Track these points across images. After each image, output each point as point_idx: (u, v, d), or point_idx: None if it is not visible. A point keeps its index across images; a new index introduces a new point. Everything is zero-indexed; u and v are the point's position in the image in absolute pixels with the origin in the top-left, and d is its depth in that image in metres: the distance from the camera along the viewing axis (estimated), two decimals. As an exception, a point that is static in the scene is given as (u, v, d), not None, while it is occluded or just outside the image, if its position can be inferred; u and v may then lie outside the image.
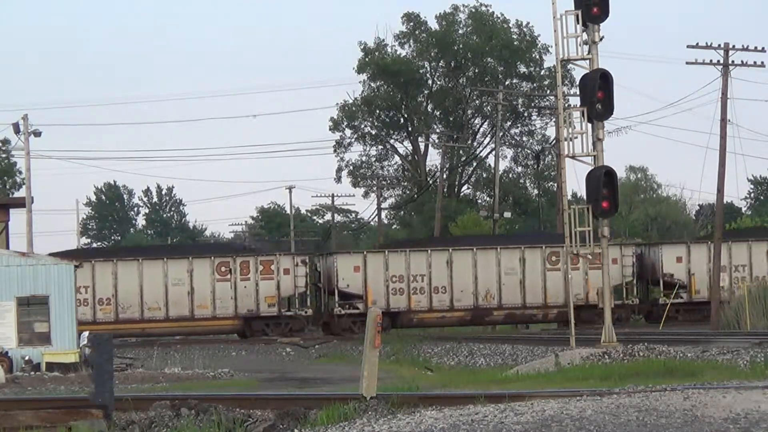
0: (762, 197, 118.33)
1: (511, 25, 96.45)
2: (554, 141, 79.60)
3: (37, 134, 63.34)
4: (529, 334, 58.96)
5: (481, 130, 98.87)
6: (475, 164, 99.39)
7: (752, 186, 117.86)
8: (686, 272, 62.04)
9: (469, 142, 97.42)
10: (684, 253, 62.36)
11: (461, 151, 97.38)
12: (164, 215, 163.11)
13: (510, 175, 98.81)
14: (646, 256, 63.94)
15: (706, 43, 55.85)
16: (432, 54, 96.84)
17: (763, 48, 56.75)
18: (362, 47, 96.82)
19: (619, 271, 61.22)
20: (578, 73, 45.91)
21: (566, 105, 52.30)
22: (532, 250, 61.27)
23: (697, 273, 61.88)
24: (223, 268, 59.03)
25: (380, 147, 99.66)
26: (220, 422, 18.33)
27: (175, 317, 58.77)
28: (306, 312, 60.53)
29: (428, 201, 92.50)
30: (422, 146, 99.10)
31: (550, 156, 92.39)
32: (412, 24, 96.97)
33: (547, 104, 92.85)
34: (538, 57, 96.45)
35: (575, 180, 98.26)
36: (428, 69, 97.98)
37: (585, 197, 37.28)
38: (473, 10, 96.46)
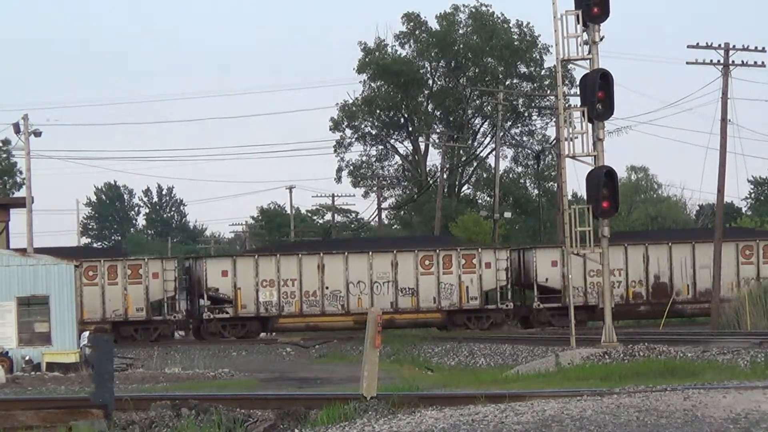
0: (762, 197, 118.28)
1: (511, 25, 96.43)
2: (554, 141, 79.60)
3: (37, 134, 63.28)
4: (529, 334, 58.93)
5: (482, 130, 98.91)
6: (475, 164, 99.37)
7: (752, 186, 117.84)
8: (561, 276, 60.89)
9: (469, 142, 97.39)
10: (559, 257, 61.16)
11: (461, 151, 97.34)
12: (164, 215, 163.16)
13: (510, 175, 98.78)
14: (521, 261, 63.13)
15: (706, 43, 55.88)
16: (432, 54, 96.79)
17: (763, 48, 56.78)
18: (362, 47, 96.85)
19: (494, 275, 60.56)
20: (578, 73, 45.92)
21: (566, 105, 52.24)
22: (405, 255, 60.75)
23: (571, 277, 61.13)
24: (90, 273, 58.29)
25: (380, 147, 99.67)
26: (220, 422, 18.33)
27: None
28: (176, 316, 60.18)
29: (428, 201, 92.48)
30: (422, 146, 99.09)
31: (550, 156, 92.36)
32: (412, 24, 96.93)
33: (548, 104, 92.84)
34: (538, 57, 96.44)
35: (575, 180, 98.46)
36: (428, 69, 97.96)
37: (585, 197, 37.28)
38: (473, 10, 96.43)
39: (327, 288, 60.05)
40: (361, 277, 60.29)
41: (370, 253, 60.74)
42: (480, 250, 61.75)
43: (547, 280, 61.59)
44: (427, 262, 60.48)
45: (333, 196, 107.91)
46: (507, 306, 61.42)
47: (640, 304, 62.34)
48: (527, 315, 62.63)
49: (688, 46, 55.49)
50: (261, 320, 59.86)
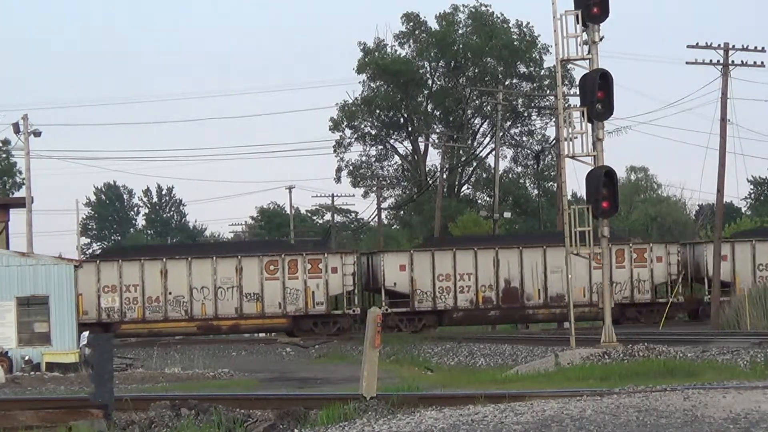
0: (762, 197, 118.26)
1: (511, 25, 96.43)
2: (554, 141, 79.60)
3: (37, 134, 63.34)
4: (529, 334, 58.95)
5: (481, 130, 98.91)
6: (475, 164, 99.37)
7: (752, 186, 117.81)
8: (409, 281, 60.51)
9: (469, 142, 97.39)
10: (407, 261, 60.89)
11: (461, 151, 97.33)
12: (164, 215, 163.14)
13: (510, 175, 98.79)
14: (369, 265, 62.82)
15: (706, 43, 55.91)
16: (432, 54, 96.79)
17: (763, 48, 56.82)
18: (362, 47, 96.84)
19: (340, 280, 60.03)
20: (578, 73, 45.91)
21: (566, 105, 52.28)
22: (249, 259, 60.36)
23: (419, 281, 60.60)
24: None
25: (380, 147, 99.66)
26: (220, 422, 18.32)
27: None
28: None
29: (428, 201, 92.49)
30: (422, 146, 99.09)
31: (550, 156, 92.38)
32: (411, 24, 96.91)
33: (547, 104, 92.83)
34: (538, 57, 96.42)
35: (575, 180, 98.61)
36: (428, 69, 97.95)
37: (585, 197, 37.28)
38: (473, 10, 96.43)
39: (170, 293, 59.38)
40: (204, 282, 59.61)
41: (214, 258, 60.07)
42: (326, 254, 61.12)
43: (395, 284, 60.90)
44: (272, 267, 59.98)
45: (333, 196, 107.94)
46: (354, 311, 60.55)
47: (490, 309, 61.42)
48: None
49: (688, 46, 55.56)
50: (103, 326, 58.36)
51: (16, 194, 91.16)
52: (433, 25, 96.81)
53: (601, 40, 35.79)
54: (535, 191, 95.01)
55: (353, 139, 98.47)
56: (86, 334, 41.85)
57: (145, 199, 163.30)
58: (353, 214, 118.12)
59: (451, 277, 60.72)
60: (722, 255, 60.37)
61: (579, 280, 59.49)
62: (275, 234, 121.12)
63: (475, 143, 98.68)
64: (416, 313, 60.93)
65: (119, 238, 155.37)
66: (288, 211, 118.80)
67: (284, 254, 60.83)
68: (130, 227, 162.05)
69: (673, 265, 61.91)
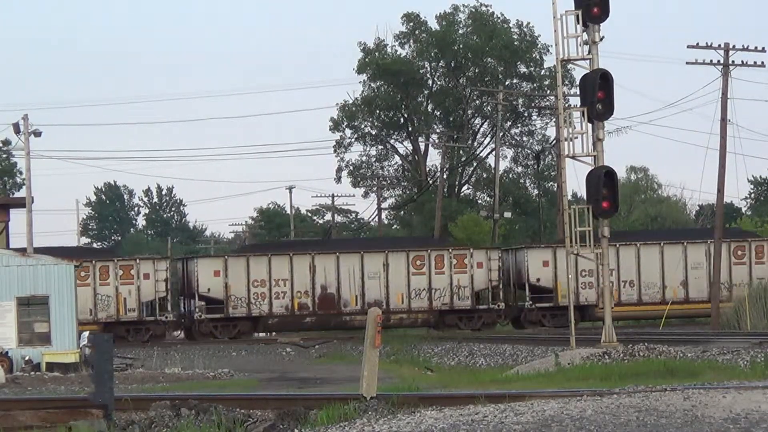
0: (762, 197, 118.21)
1: (511, 25, 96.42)
2: (554, 141, 79.61)
3: (37, 134, 63.27)
4: (529, 334, 58.96)
5: (481, 130, 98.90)
6: (475, 164, 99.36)
7: (752, 186, 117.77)
8: (224, 286, 59.69)
9: (469, 142, 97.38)
10: (222, 266, 60.28)
11: (461, 151, 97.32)
12: (164, 215, 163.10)
13: (510, 175, 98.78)
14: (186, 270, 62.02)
15: (706, 43, 55.91)
16: (432, 54, 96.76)
17: (763, 48, 56.82)
18: (362, 47, 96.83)
19: (153, 286, 59.44)
20: (578, 73, 45.95)
21: (566, 105, 52.26)
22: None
23: (234, 287, 60.26)
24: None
25: (380, 147, 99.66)
26: (220, 422, 18.32)
27: None
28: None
29: (428, 201, 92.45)
30: (422, 146, 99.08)
31: (550, 156, 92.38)
32: (412, 24, 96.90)
33: (547, 104, 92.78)
34: (538, 57, 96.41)
35: (575, 180, 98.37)
36: (428, 69, 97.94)
37: (585, 197, 37.27)
38: (473, 10, 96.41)
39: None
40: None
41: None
42: (138, 260, 60.78)
43: (209, 290, 60.12)
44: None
45: (333, 196, 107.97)
46: (167, 318, 60.34)
47: (306, 315, 60.86)
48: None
49: (688, 46, 55.57)
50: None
51: (16, 194, 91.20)
52: (434, 25, 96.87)
53: (601, 40, 35.79)
54: (535, 191, 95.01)
55: (353, 139, 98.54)
56: (86, 333, 41.88)
57: (145, 199, 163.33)
58: (353, 214, 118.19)
59: (266, 282, 60.31)
60: (544, 261, 60.39)
61: (396, 286, 59.19)
62: (275, 234, 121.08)
63: (475, 143, 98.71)
64: (231, 320, 60.15)
65: (119, 238, 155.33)
66: (288, 211, 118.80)
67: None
68: (130, 227, 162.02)
69: (494, 271, 60.89)
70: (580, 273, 59.93)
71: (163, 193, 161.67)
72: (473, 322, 61.11)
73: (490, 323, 61.47)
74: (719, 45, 56.02)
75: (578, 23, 35.59)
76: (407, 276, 59.98)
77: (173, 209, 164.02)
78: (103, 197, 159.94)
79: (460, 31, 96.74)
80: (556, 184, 78.47)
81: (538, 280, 61.19)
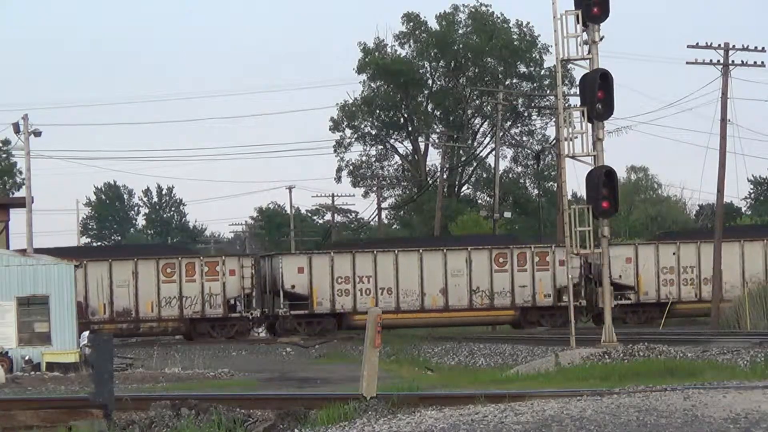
0: (762, 197, 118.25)
1: (511, 25, 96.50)
2: (554, 141, 79.59)
3: (37, 134, 63.27)
4: (529, 334, 58.93)
5: (481, 130, 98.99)
6: (475, 164, 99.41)
7: (752, 186, 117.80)
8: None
9: (469, 142, 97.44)
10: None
11: (461, 151, 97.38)
12: (164, 215, 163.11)
13: (510, 175, 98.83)
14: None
15: (706, 43, 55.91)
16: (432, 54, 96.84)
17: (763, 48, 56.82)
18: (362, 47, 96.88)
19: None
20: (578, 73, 45.91)
21: (566, 105, 52.28)
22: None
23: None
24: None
25: (380, 147, 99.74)
26: (220, 422, 18.32)
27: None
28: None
29: (428, 201, 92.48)
30: (422, 146, 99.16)
31: (550, 156, 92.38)
32: (412, 24, 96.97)
33: (547, 104, 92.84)
34: (538, 57, 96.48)
35: (575, 180, 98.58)
36: (428, 69, 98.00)
37: (585, 197, 37.27)
38: (473, 10, 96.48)
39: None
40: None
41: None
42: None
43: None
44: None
45: (333, 196, 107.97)
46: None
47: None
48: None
49: (688, 46, 55.58)
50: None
51: (16, 194, 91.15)
52: (434, 25, 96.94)
53: (601, 40, 35.78)
54: (535, 191, 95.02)
55: (353, 139, 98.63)
56: (86, 333, 41.90)
57: (145, 199, 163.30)
58: (353, 214, 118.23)
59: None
60: (299, 267, 59.74)
61: (146, 294, 58.44)
62: (275, 234, 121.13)
63: (475, 143, 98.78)
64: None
65: (119, 238, 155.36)
66: (288, 211, 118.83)
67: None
68: (130, 227, 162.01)
69: (247, 279, 59.79)
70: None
71: (163, 192, 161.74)
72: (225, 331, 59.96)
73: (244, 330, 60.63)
74: (719, 45, 56.04)
75: (578, 23, 35.58)
76: (157, 284, 58.73)
77: (173, 209, 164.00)
78: (103, 197, 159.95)
79: (460, 31, 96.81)
80: (556, 184, 78.46)
81: (293, 287, 60.37)
